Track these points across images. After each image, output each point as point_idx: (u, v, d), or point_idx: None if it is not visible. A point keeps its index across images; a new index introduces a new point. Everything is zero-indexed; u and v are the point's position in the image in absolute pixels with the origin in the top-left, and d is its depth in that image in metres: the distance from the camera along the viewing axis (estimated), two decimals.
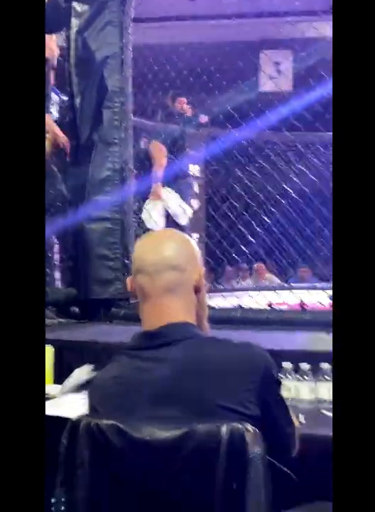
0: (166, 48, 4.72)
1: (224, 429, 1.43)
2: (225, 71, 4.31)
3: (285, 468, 1.62)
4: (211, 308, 3.56)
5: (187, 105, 6.11)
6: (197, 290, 1.68)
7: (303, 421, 2.22)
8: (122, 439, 1.49)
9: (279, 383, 1.65)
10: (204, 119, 6.19)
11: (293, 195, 4.48)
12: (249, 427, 1.45)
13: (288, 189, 4.59)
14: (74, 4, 3.98)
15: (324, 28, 4.85)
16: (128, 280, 1.69)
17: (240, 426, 1.44)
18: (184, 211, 5.09)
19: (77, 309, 4.00)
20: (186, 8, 5.38)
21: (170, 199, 5.24)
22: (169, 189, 5.32)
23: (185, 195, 5.39)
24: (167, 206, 5.31)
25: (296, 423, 1.77)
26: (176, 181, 5.19)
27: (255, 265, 8.46)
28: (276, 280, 8.25)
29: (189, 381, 1.52)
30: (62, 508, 1.52)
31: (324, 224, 4.17)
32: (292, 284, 7.20)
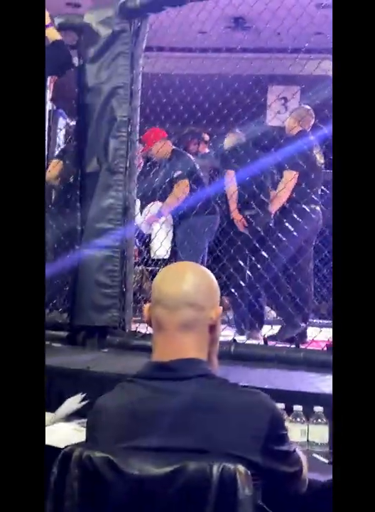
0: (175, 79, 4.75)
1: (215, 468, 1.42)
2: (233, 105, 4.34)
3: None
4: None
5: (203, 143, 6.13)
6: (212, 328, 1.68)
7: None
8: (113, 473, 1.47)
9: (283, 436, 1.60)
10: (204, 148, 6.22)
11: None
12: (241, 468, 1.44)
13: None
14: (99, 27, 4.02)
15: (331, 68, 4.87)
16: (146, 308, 1.70)
17: (232, 466, 1.43)
18: (161, 248, 4.97)
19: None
20: (196, 39, 5.42)
21: (156, 232, 5.16)
22: (163, 222, 5.26)
23: (195, 231, 5.11)
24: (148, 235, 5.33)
25: (305, 472, 1.71)
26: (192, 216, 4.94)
27: None
28: (273, 314, 8.21)
29: (195, 419, 1.52)
30: None
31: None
32: None
